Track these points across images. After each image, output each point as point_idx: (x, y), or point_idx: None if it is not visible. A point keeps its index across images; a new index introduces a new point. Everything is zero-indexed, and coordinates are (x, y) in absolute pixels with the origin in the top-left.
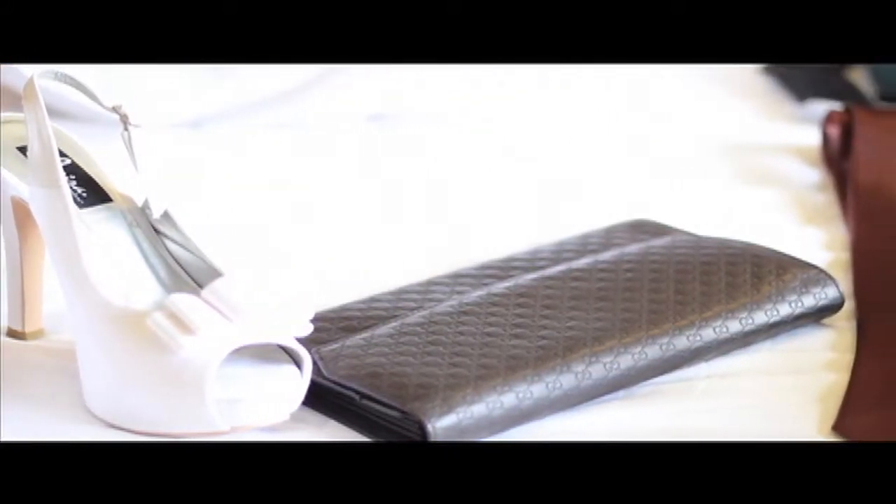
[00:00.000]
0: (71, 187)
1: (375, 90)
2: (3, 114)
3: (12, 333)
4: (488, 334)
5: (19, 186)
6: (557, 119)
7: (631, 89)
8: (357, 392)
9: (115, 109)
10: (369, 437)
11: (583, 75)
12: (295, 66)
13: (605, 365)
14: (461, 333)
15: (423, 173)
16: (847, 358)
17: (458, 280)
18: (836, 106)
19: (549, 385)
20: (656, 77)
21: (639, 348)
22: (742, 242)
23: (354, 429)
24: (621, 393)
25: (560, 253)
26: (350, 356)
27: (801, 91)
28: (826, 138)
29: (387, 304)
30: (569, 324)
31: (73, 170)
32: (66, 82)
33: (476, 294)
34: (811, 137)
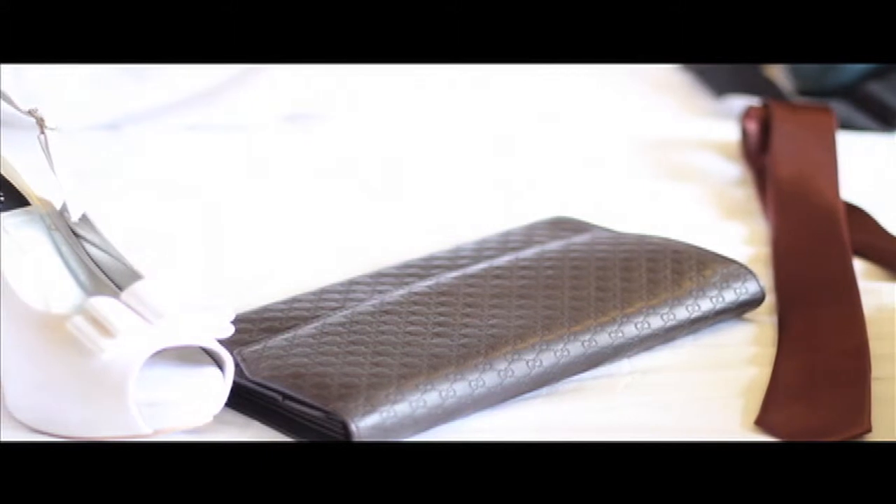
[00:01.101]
0: None
1: (293, 90)
2: None
3: None
4: (410, 333)
5: None
6: (478, 118)
7: (550, 88)
8: (280, 393)
9: (30, 113)
10: (293, 438)
11: (501, 74)
12: (213, 66)
13: (527, 362)
14: (383, 333)
15: (340, 173)
16: (769, 352)
17: (380, 279)
18: (753, 101)
19: (472, 383)
20: (575, 75)
21: (561, 345)
22: (662, 238)
23: (278, 429)
24: (545, 390)
25: (481, 251)
26: (272, 357)
27: (719, 86)
28: (745, 133)
29: (308, 305)
30: (491, 322)
31: None
32: None
33: (397, 293)
34: (730, 133)
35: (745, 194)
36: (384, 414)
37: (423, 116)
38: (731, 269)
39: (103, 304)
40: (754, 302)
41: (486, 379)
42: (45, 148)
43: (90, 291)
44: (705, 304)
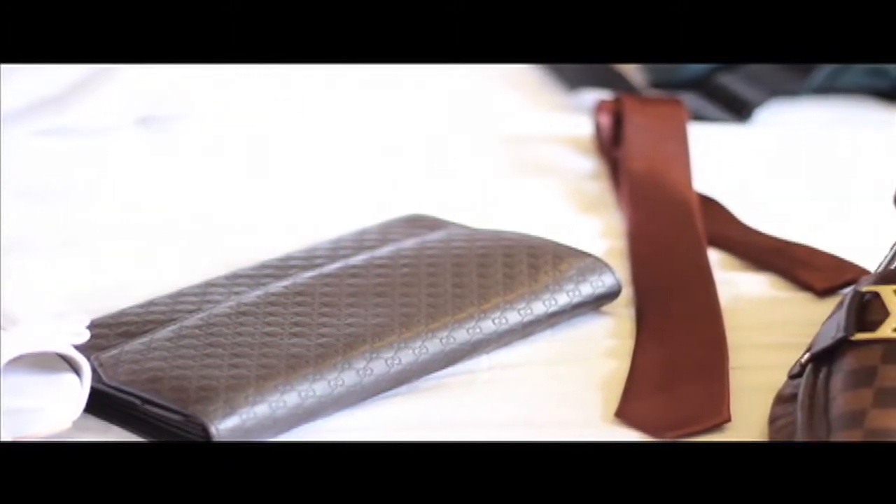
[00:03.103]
0: None
1: (147, 92)
2: None
3: None
4: (267, 334)
5: None
6: (332, 117)
7: (404, 86)
8: (138, 397)
9: None
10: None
11: (356, 73)
12: (62, 66)
13: (386, 361)
14: (240, 334)
15: (193, 176)
16: (627, 344)
17: (236, 280)
18: (605, 95)
19: (332, 383)
20: (427, 73)
21: (419, 343)
22: (517, 234)
23: (138, 434)
24: (404, 388)
25: (337, 250)
26: (130, 361)
27: (571, 81)
28: (597, 127)
29: (164, 308)
30: (348, 321)
31: None
32: None
33: (254, 294)
34: (583, 127)
35: (600, 188)
36: (244, 416)
37: (280, 116)
38: (587, 263)
39: None
40: (611, 295)
41: (346, 378)
42: None
43: None
44: (562, 299)
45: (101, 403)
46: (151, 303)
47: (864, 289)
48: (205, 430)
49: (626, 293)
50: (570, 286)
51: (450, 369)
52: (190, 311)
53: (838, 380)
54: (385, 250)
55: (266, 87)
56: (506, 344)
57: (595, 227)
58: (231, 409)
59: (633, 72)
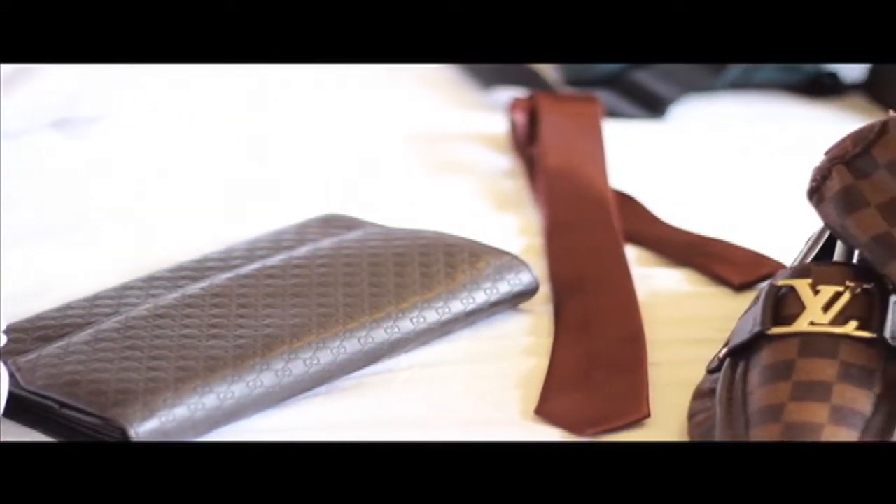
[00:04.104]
0: None
1: (61, 94)
2: None
3: None
4: (185, 336)
5: None
6: (249, 116)
7: (319, 84)
8: (56, 401)
9: None
10: None
11: (269, 72)
12: None
13: (304, 361)
14: (158, 337)
15: (110, 178)
16: (546, 342)
17: (153, 283)
18: (520, 92)
19: (250, 384)
20: (342, 71)
21: (337, 343)
22: (434, 232)
23: (57, 438)
24: (324, 388)
25: (254, 251)
26: (47, 365)
27: (485, 79)
28: (513, 125)
29: (81, 312)
30: (266, 322)
31: None
32: None
33: (171, 296)
34: (498, 125)
35: (516, 185)
36: (163, 418)
37: (196, 116)
38: (505, 261)
39: None
40: (528, 292)
41: (264, 379)
42: None
43: None
44: (480, 297)
45: (19, 408)
46: (68, 307)
47: (780, 283)
48: (124, 434)
49: (544, 290)
50: (488, 284)
51: (369, 368)
52: (107, 315)
53: (756, 374)
54: (302, 251)
55: (183, 88)
56: (424, 343)
57: (512, 225)
58: (150, 412)
59: (548, 70)
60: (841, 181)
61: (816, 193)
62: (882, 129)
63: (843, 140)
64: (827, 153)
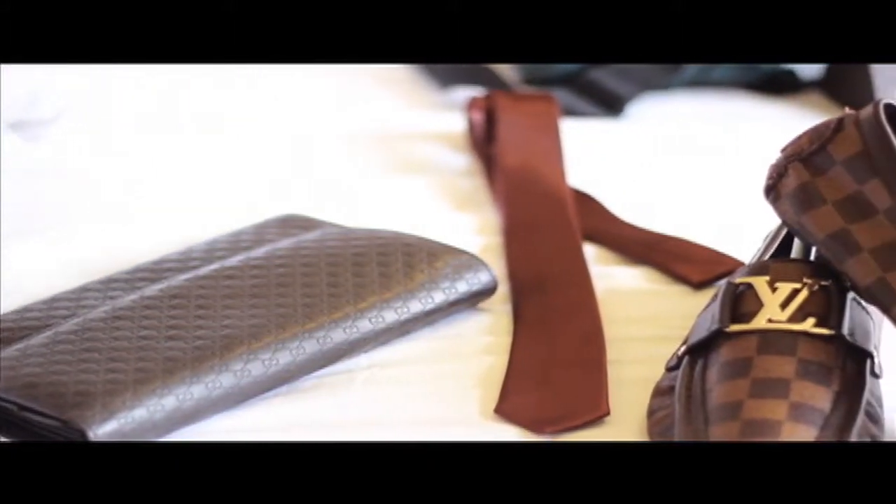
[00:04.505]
0: None
1: (14, 96)
2: None
3: None
4: (144, 338)
5: None
6: (207, 118)
7: (277, 84)
8: (15, 403)
9: None
10: None
11: (226, 73)
12: None
13: (263, 362)
14: (116, 339)
15: (64, 181)
16: (505, 341)
17: (111, 285)
18: (477, 92)
19: (209, 385)
20: (299, 71)
21: (296, 343)
22: (392, 232)
23: (17, 440)
24: (284, 388)
25: (212, 252)
26: (6, 368)
27: (443, 78)
28: (470, 124)
29: (39, 314)
30: (224, 322)
31: None
32: None
33: (129, 298)
34: (456, 124)
35: (474, 185)
36: (122, 420)
37: (149, 118)
38: (463, 260)
39: None
40: (487, 291)
41: (223, 380)
42: None
43: None
44: (438, 296)
45: None
46: (26, 309)
47: (738, 280)
48: (83, 436)
49: (503, 289)
50: (447, 284)
51: (329, 369)
52: (65, 317)
53: (714, 371)
54: (260, 251)
55: (140, 88)
56: (384, 342)
57: (470, 224)
58: (109, 414)
59: (506, 69)
60: (797, 178)
61: (773, 191)
62: (838, 127)
63: (800, 137)
64: (783, 150)
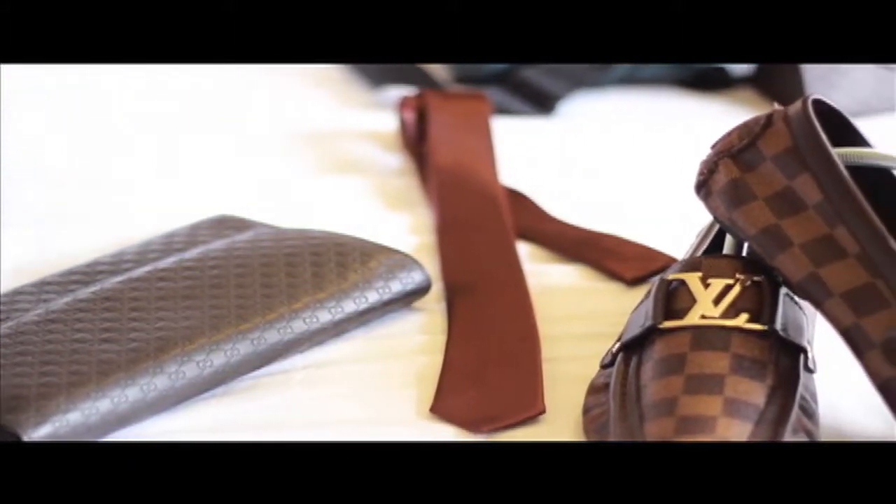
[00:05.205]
0: None
1: None
2: None
3: None
4: (77, 340)
5: None
6: (141, 118)
7: (210, 84)
8: None
9: None
10: None
11: (157, 72)
12: None
13: (198, 363)
14: (50, 342)
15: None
16: (440, 340)
17: (44, 288)
18: (409, 91)
19: (144, 387)
20: (231, 71)
21: (230, 344)
22: (325, 232)
23: None
24: (220, 389)
25: (145, 254)
26: None
27: (374, 78)
28: (402, 123)
29: None
30: (158, 324)
31: None
32: None
33: (62, 301)
34: (388, 123)
35: (407, 184)
36: (56, 424)
37: (84, 117)
38: (396, 260)
39: None
40: (421, 291)
41: (158, 382)
42: None
43: None
44: (372, 296)
45: None
46: None
47: (671, 277)
48: (17, 440)
49: (437, 288)
50: (380, 283)
51: (265, 369)
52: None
53: (649, 368)
54: (193, 252)
55: (77, 88)
56: (318, 343)
57: (403, 224)
58: (43, 418)
59: (437, 68)
60: (728, 174)
61: (704, 187)
62: (767, 122)
63: (730, 133)
64: (713, 147)
